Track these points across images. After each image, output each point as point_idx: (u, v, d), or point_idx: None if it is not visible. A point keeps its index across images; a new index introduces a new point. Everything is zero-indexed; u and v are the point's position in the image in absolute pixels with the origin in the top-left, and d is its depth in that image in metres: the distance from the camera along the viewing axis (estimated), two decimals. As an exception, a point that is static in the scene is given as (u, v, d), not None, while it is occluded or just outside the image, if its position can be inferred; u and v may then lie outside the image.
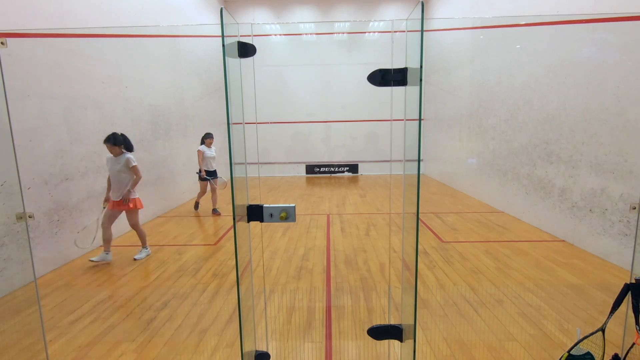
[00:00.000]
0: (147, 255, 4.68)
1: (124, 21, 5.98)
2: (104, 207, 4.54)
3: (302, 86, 12.03)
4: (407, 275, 2.14)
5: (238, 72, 1.76)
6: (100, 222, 4.53)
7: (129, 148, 4.52)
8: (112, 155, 4.42)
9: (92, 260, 4.40)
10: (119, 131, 4.50)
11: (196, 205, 7.29)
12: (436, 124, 10.58)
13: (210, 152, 6.93)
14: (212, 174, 6.98)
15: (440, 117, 10.26)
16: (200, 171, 6.85)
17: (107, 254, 4.45)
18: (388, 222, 6.30)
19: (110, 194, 4.50)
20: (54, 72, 4.45)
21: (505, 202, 6.71)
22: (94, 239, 4.61)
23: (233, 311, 3.26)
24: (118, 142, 4.38)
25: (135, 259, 4.55)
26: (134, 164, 4.43)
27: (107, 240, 4.47)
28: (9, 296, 3.66)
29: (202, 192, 7.13)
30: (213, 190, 7.02)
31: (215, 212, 6.98)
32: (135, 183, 4.48)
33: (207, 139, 6.93)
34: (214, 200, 7.06)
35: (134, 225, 4.61)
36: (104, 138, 4.37)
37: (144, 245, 4.69)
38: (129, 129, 5.98)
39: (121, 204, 4.44)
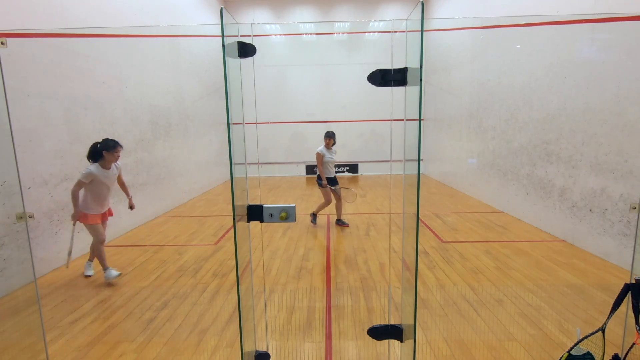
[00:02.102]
0: (117, 276, 3.93)
1: (124, 21, 5.98)
2: (74, 224, 3.82)
3: (302, 86, 12.03)
4: (407, 275, 2.14)
5: (238, 72, 1.76)
6: (72, 239, 3.90)
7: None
8: (103, 167, 3.76)
9: (88, 276, 4.09)
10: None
11: (314, 218, 6.10)
12: (436, 124, 10.58)
13: (330, 155, 5.79)
14: (333, 181, 5.90)
15: (440, 117, 10.26)
16: (319, 178, 5.77)
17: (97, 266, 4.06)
18: (388, 222, 6.30)
19: (96, 207, 3.84)
20: (54, 72, 4.45)
21: (505, 202, 6.71)
22: (70, 253, 3.93)
23: (233, 311, 3.26)
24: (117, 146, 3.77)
25: (114, 276, 3.91)
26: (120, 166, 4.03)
27: (104, 256, 3.93)
28: (9, 296, 3.66)
29: (327, 201, 5.91)
30: (338, 199, 5.95)
31: (340, 222, 5.96)
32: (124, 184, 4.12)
33: (326, 138, 5.75)
34: (339, 210, 5.97)
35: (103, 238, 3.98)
36: (103, 143, 3.74)
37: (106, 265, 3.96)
38: (129, 129, 5.99)
39: (109, 213, 4.06)
